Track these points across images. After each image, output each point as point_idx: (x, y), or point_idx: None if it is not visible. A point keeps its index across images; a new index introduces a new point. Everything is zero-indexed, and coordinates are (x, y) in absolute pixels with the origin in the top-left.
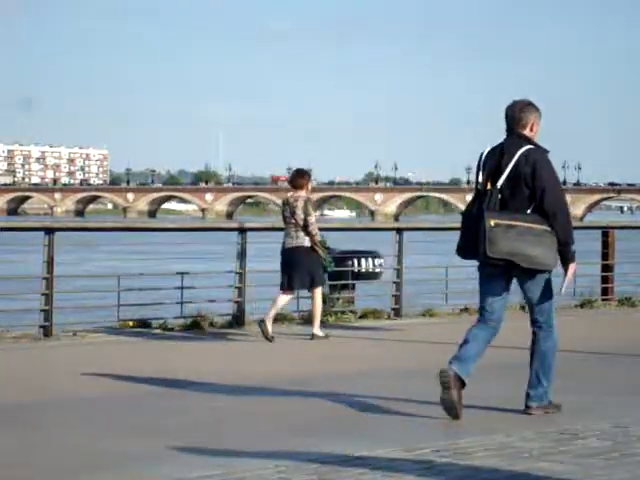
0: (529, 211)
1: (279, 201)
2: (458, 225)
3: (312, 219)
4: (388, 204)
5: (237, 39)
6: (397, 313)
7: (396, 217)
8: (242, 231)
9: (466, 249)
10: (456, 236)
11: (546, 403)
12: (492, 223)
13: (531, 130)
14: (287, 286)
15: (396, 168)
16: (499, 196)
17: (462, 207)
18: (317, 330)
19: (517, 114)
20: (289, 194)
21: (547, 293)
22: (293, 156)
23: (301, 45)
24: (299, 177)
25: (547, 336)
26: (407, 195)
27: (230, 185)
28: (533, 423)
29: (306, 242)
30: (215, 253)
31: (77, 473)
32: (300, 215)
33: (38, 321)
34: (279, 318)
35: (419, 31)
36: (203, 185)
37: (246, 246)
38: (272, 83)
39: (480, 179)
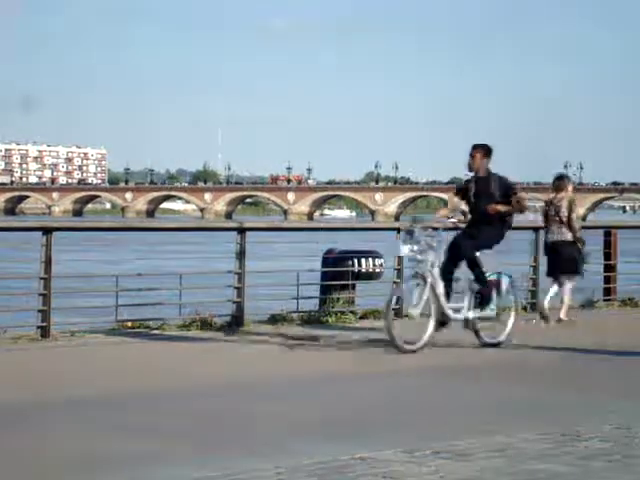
0: None
1: (279, 201)
2: (457, 225)
3: (574, 216)
4: (388, 204)
5: (237, 38)
6: (397, 313)
7: (397, 217)
8: (241, 231)
9: None
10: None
11: None
12: None
13: None
14: (554, 275)
15: (396, 168)
16: None
17: (462, 207)
18: (564, 315)
19: None
20: (552, 195)
21: None
22: (293, 156)
23: (301, 45)
24: (560, 181)
25: None
26: (407, 195)
27: (229, 185)
28: (534, 424)
29: (568, 236)
30: (214, 253)
31: (77, 473)
32: (564, 213)
33: (36, 322)
34: (278, 319)
35: (419, 31)
36: (202, 185)
37: (246, 246)
38: (272, 83)
39: None
